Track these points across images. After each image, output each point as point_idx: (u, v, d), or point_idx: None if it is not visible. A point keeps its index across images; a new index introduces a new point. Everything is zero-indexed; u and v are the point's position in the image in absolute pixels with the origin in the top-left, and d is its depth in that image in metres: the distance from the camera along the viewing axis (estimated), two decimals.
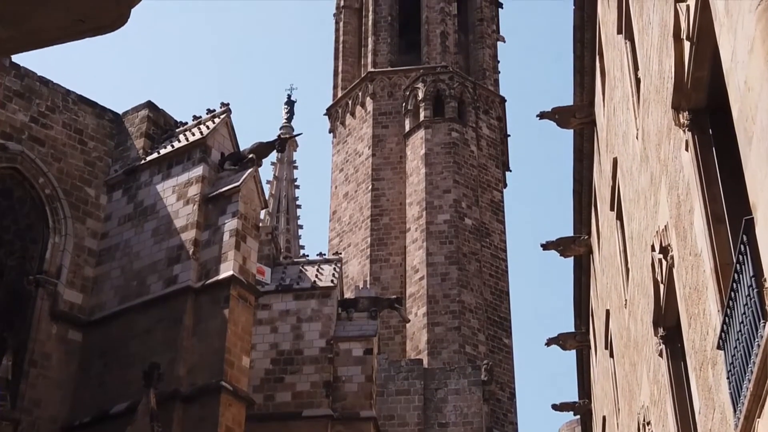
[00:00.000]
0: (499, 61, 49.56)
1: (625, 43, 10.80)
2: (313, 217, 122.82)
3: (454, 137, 43.88)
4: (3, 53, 3.67)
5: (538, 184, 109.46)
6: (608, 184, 13.68)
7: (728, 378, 6.14)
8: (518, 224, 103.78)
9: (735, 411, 6.01)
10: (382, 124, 46.02)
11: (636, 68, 10.15)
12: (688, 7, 6.60)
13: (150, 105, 25.43)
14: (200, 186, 22.82)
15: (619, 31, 11.14)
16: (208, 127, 23.99)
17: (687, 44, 6.82)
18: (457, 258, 40.91)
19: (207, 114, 24.61)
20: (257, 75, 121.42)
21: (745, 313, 5.53)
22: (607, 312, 15.87)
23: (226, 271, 21.40)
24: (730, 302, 5.88)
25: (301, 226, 56.83)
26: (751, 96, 5.13)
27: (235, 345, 20.83)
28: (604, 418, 18.58)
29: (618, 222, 13.19)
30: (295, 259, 31.88)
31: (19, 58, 24.13)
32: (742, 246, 5.52)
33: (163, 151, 24.19)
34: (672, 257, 8.37)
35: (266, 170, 59.28)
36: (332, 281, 28.56)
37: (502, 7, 51.43)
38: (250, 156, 23.41)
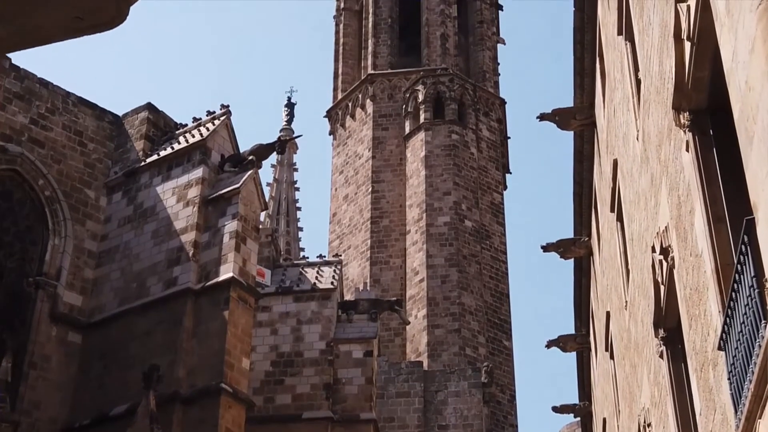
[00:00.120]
0: (499, 63, 49.58)
1: (626, 44, 10.79)
2: (313, 220, 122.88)
3: (454, 139, 43.88)
4: (2, 51, 3.66)
5: (539, 186, 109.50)
6: (608, 185, 13.67)
7: (729, 379, 6.12)
8: (518, 226, 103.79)
9: (736, 412, 6.00)
10: (382, 126, 46.02)
11: (636, 69, 10.14)
12: (688, 7, 6.59)
13: (150, 107, 25.42)
14: (200, 188, 22.81)
15: (620, 33, 11.13)
16: (208, 129, 23.98)
17: (687, 45, 6.81)
18: (458, 260, 40.89)
19: (207, 116, 24.61)
20: (257, 77, 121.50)
21: (746, 313, 5.52)
22: (608, 314, 15.86)
23: (226, 272, 21.38)
24: (731, 303, 5.86)
25: (301, 229, 56.87)
26: (752, 96, 5.11)
27: (235, 347, 20.81)
28: (604, 420, 18.56)
29: (618, 223, 13.18)
30: (295, 261, 31.87)
31: (19, 60, 24.15)
32: (743, 246, 5.50)
33: (163, 153, 24.18)
34: (672, 258, 8.36)
35: (266, 173, 59.41)
36: (332, 283, 28.54)
37: (502, 10, 51.45)
38: (250, 158, 23.41)
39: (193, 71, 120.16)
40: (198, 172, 23.11)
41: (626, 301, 12.64)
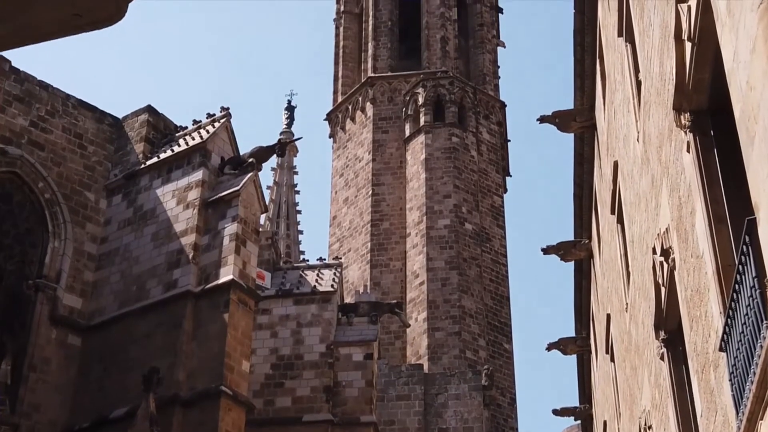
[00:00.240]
0: (499, 66, 49.59)
1: (626, 45, 10.77)
2: (314, 223, 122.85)
3: (454, 142, 43.87)
4: (1, 48, 3.64)
5: (539, 189, 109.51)
6: (609, 187, 13.65)
7: (730, 380, 6.10)
8: (518, 229, 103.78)
9: (737, 413, 5.98)
10: (383, 129, 46.02)
11: (636, 71, 10.13)
12: (689, 7, 6.58)
13: (150, 109, 25.41)
14: (200, 190, 22.80)
15: (620, 34, 11.12)
16: (208, 132, 23.97)
17: (688, 45, 6.80)
18: (458, 263, 40.87)
19: (207, 118, 24.60)
20: (257, 81, 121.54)
21: (747, 314, 5.50)
22: (608, 316, 15.84)
23: (225, 275, 21.36)
24: (733, 304, 5.84)
25: (301, 232, 56.86)
26: (754, 95, 5.10)
27: (234, 349, 20.79)
28: (605, 422, 18.54)
29: (619, 225, 13.17)
30: (295, 264, 31.83)
31: (19, 63, 24.15)
32: (744, 247, 5.48)
33: (162, 156, 24.17)
34: (673, 260, 8.34)
35: (266, 175, 59.36)
36: (332, 286, 28.52)
37: (502, 13, 51.46)
38: (250, 160, 23.40)
39: (193, 74, 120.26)
40: (198, 175, 23.10)
41: (627, 304, 12.62)
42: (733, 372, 6.01)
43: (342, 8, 50.95)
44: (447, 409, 34.23)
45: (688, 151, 7.23)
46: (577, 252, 18.65)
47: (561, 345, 20.99)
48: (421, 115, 44.58)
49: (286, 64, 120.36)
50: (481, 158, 45.22)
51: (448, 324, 39.54)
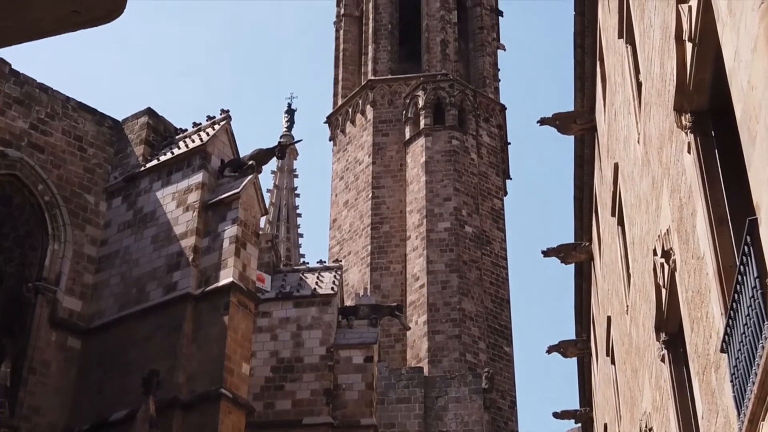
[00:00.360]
0: (499, 69, 49.62)
1: (626, 47, 10.76)
2: (314, 226, 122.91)
3: (454, 145, 43.87)
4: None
5: (539, 191, 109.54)
6: (609, 189, 13.64)
7: (732, 381, 6.08)
8: (519, 232, 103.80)
9: (739, 414, 5.95)
10: (383, 132, 46.02)
11: (637, 72, 10.12)
12: (690, 8, 6.56)
13: (150, 112, 25.40)
14: (200, 193, 22.78)
15: (620, 36, 11.11)
16: (207, 134, 23.96)
17: (689, 45, 6.78)
18: (458, 266, 40.85)
19: (207, 121, 24.59)
20: (257, 84, 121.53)
21: (749, 314, 5.48)
22: (609, 318, 15.82)
23: (225, 277, 21.34)
24: (734, 304, 5.82)
25: (301, 235, 56.83)
26: (755, 95, 5.08)
27: (234, 352, 20.76)
28: (605, 425, 18.51)
29: (619, 228, 13.15)
30: (295, 267, 31.82)
31: (18, 65, 24.15)
32: (745, 247, 5.47)
33: (162, 158, 24.15)
34: (674, 261, 8.32)
35: (266, 179, 59.37)
36: (332, 289, 28.50)
37: (502, 16, 51.51)
38: (250, 163, 23.38)
39: (193, 77, 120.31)
40: (198, 177, 23.09)
41: (627, 306, 12.60)
42: (734, 373, 5.98)
43: (342, 11, 50.97)
44: (447, 412, 34.19)
45: (689, 152, 7.22)
46: (578, 254, 18.64)
47: (561, 348, 20.96)
48: (421, 118, 44.58)
49: (286, 67, 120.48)
50: (481, 161, 45.22)
51: (449, 327, 39.51)
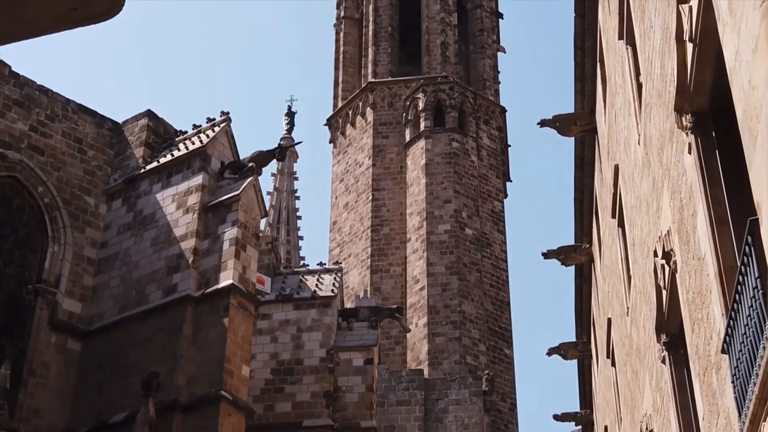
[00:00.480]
0: (499, 72, 49.63)
1: (626, 48, 10.76)
2: (314, 228, 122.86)
3: (454, 147, 43.86)
4: None
5: (539, 193, 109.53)
6: (609, 191, 13.63)
7: (733, 382, 6.06)
8: (519, 234, 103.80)
9: (740, 415, 5.94)
10: (383, 135, 46.01)
11: (637, 73, 10.11)
12: (690, 8, 6.55)
13: (150, 114, 25.38)
14: (200, 195, 22.76)
15: (620, 37, 11.11)
16: (207, 136, 23.94)
17: (690, 46, 6.77)
18: (458, 268, 40.83)
19: (207, 123, 24.57)
20: (257, 86, 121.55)
21: (750, 315, 5.47)
22: (609, 320, 15.80)
23: (225, 279, 21.32)
24: (735, 305, 5.81)
25: (301, 237, 56.83)
26: (756, 95, 5.07)
27: (234, 354, 20.74)
28: (605, 427, 18.49)
29: (620, 229, 13.14)
30: (296, 269, 31.79)
31: (18, 67, 24.14)
32: (746, 247, 5.45)
33: (162, 160, 24.13)
34: (675, 262, 8.31)
35: (267, 181, 59.34)
36: (332, 291, 28.47)
37: (502, 18, 51.51)
38: (250, 164, 23.36)
39: (193, 79, 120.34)
40: (198, 179, 23.07)
41: (628, 308, 12.59)
42: (735, 374, 5.97)
43: (342, 13, 50.98)
44: (447, 414, 34.16)
45: (690, 152, 7.21)
46: (578, 256, 18.63)
47: (562, 350, 20.95)
48: (421, 120, 44.58)
49: (286, 70, 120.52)
50: (481, 163, 45.21)
51: (449, 329, 39.49)
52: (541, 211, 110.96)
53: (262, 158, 24.05)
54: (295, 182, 58.84)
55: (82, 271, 23.27)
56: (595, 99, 15.40)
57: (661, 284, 8.96)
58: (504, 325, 42.06)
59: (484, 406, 34.36)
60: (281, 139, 54.75)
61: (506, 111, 48.41)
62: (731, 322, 5.94)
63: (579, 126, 16.05)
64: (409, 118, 45.12)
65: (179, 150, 24.17)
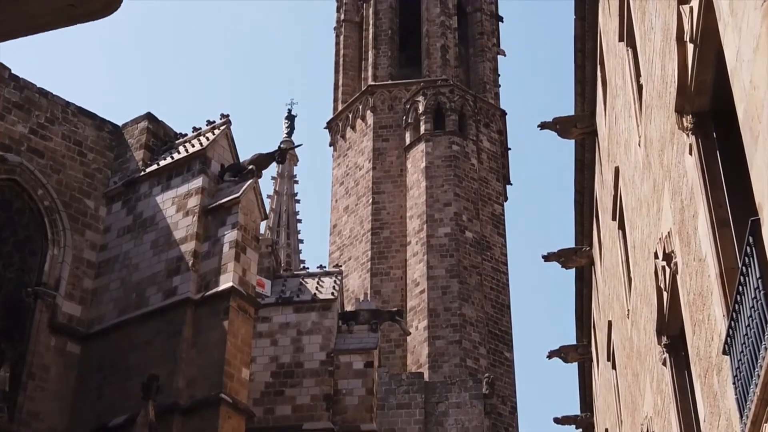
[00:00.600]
0: (499, 75, 49.62)
1: (627, 50, 10.75)
2: (314, 231, 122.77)
3: (454, 150, 43.86)
4: None
5: (539, 196, 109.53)
6: (610, 193, 13.62)
7: (734, 383, 6.04)
8: (519, 236, 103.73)
9: (741, 417, 5.91)
10: (383, 138, 46.01)
11: (638, 75, 10.10)
12: (691, 8, 6.54)
13: (150, 116, 25.38)
14: (200, 197, 22.75)
15: (621, 39, 11.10)
16: (207, 139, 23.94)
17: (690, 47, 6.76)
18: (458, 271, 40.81)
19: (207, 125, 24.57)
20: (258, 89, 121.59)
21: (751, 315, 5.44)
22: (609, 323, 15.78)
23: (225, 282, 21.31)
24: (736, 306, 5.78)
25: (301, 241, 56.81)
26: (757, 95, 5.05)
27: (234, 357, 20.72)
28: (606, 430, 18.46)
29: (620, 232, 13.12)
30: (296, 272, 31.77)
31: (18, 70, 24.13)
32: (747, 248, 5.43)
33: (162, 163, 24.13)
34: (675, 264, 8.28)
35: (267, 184, 59.38)
36: (333, 294, 28.45)
37: (502, 21, 51.52)
38: (250, 167, 23.35)
39: (194, 82, 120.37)
40: (198, 182, 23.06)
41: (628, 310, 12.57)
42: (736, 375, 5.94)
43: (342, 17, 50.99)
44: (447, 417, 34.12)
45: (691, 153, 7.19)
46: (578, 259, 18.61)
47: (562, 353, 20.94)
48: (421, 123, 44.58)
49: (287, 73, 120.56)
50: (481, 166, 45.20)
51: (449, 332, 39.46)
52: (541, 214, 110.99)
53: (262, 161, 24.04)
54: (295, 185, 58.86)
55: (81, 273, 23.26)
56: (595, 101, 15.39)
57: (662, 286, 8.94)
58: (504, 328, 42.03)
59: (484, 409, 34.33)
60: (281, 142, 54.74)
61: (506, 114, 48.43)
62: (732, 323, 5.92)
63: (579, 128, 16.05)
64: (409, 121, 45.13)
65: (179, 153, 24.17)
